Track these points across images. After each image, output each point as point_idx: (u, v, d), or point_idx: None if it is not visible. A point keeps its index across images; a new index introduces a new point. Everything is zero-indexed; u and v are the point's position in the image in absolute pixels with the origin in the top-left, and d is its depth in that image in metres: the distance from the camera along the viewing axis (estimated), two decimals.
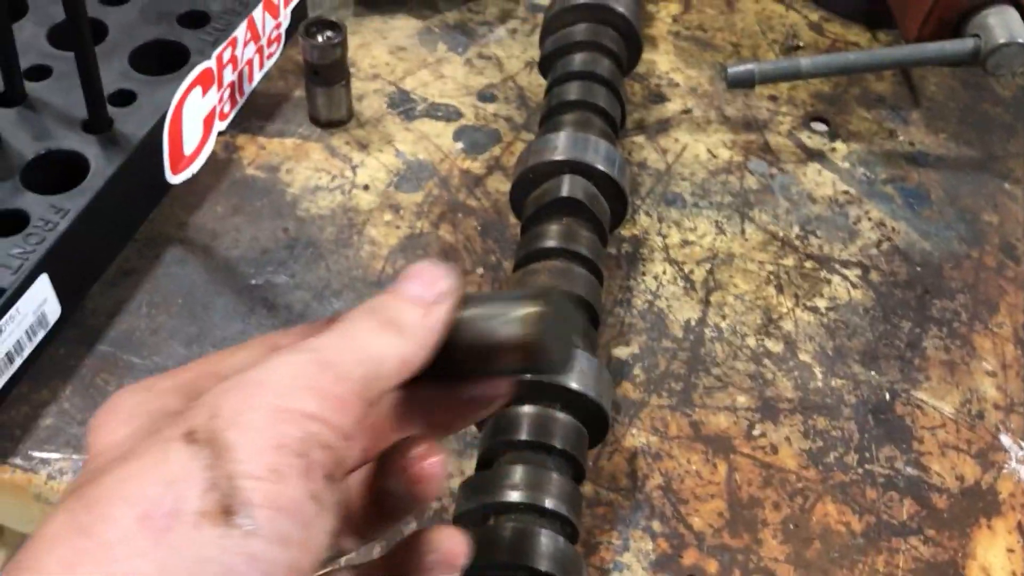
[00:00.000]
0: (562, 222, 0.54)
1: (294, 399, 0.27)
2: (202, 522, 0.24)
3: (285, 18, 0.69)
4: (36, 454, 0.50)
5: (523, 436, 0.45)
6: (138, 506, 0.24)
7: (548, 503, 0.43)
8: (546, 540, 0.42)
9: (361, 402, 0.29)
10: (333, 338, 0.30)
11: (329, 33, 0.63)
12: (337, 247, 0.60)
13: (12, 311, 0.50)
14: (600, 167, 0.55)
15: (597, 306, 0.52)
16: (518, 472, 0.44)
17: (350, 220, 0.62)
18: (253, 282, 0.58)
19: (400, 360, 0.31)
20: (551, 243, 0.53)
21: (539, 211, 0.55)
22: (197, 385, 0.31)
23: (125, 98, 0.59)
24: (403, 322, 0.31)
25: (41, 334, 0.53)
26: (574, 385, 0.46)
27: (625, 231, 0.62)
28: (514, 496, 0.43)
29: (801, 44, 0.75)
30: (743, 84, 0.64)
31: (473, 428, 0.51)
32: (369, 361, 0.30)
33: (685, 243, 0.62)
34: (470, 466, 0.48)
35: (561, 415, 0.46)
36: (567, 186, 0.55)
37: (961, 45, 0.64)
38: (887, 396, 0.55)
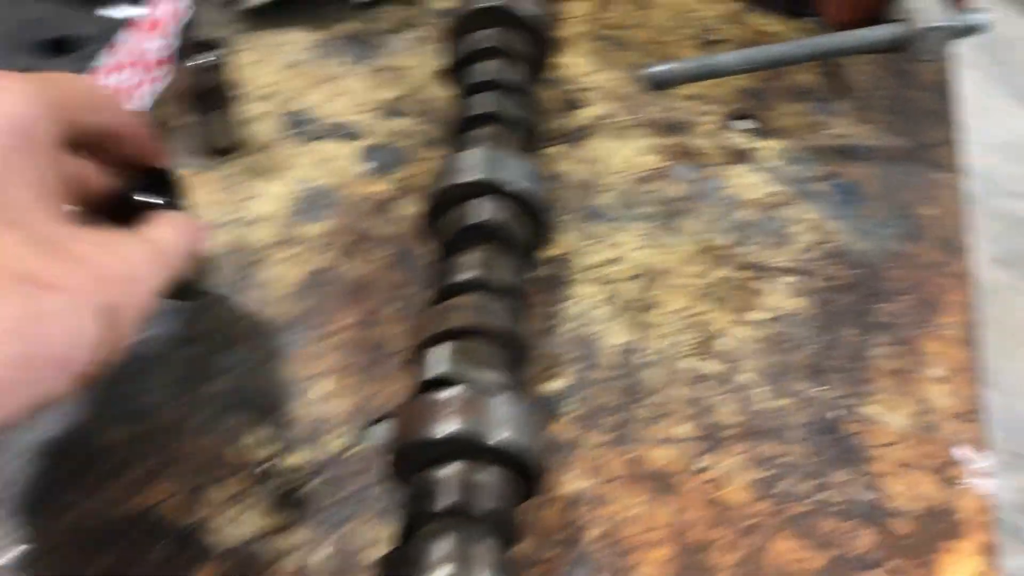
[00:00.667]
0: (479, 249, 0.50)
1: None
2: None
3: (173, 38, 0.63)
4: None
5: (445, 502, 0.40)
6: None
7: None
8: None
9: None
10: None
11: (210, 54, 0.57)
12: (233, 291, 0.54)
13: None
14: (516, 187, 0.51)
15: (524, 342, 0.47)
16: (442, 546, 0.39)
17: (245, 258, 0.56)
18: (139, 335, 0.52)
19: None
20: (469, 274, 0.48)
21: (454, 237, 0.50)
22: None
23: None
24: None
25: None
26: (502, 439, 0.41)
27: (548, 251, 0.57)
28: (439, 574, 0.38)
29: (721, 38, 0.71)
30: (663, 85, 0.60)
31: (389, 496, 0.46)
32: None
33: (612, 260, 0.57)
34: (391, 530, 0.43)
35: (489, 474, 0.41)
36: (482, 210, 0.50)
37: (886, 31, 0.60)
38: (836, 413, 0.51)
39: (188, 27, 0.61)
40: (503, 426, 0.42)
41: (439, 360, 0.45)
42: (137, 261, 0.38)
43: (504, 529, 0.41)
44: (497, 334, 0.46)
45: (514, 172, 0.51)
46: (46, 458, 0.47)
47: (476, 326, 0.46)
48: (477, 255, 0.49)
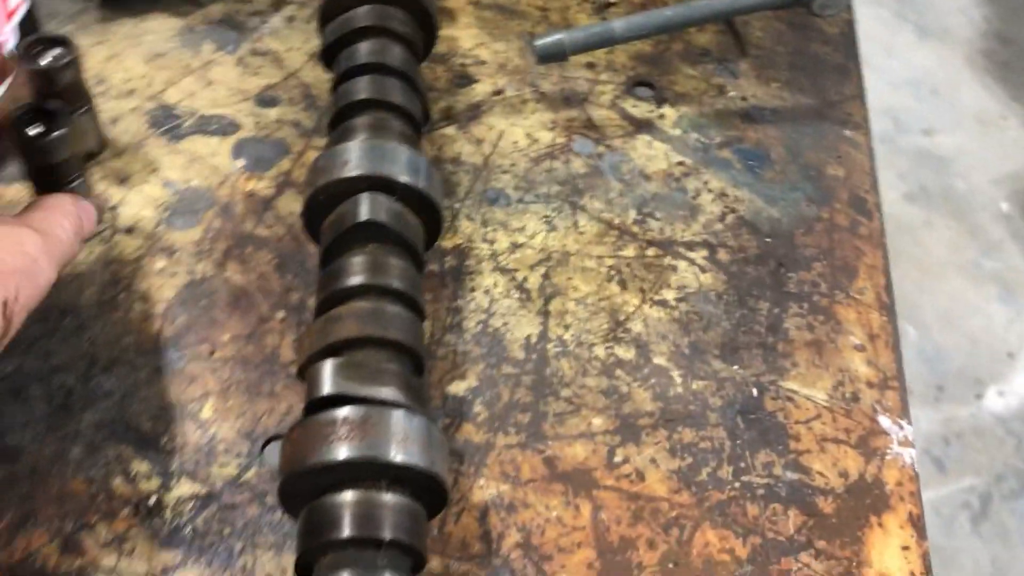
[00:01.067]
0: (366, 251, 0.46)
1: None
2: None
3: (8, 36, 0.57)
4: None
5: (345, 533, 0.37)
6: None
7: None
8: None
9: None
10: None
11: (57, 51, 0.52)
12: (100, 311, 0.50)
13: None
14: (403, 179, 0.47)
15: (419, 349, 0.44)
16: None
17: (114, 275, 0.51)
18: (1, 369, 0.47)
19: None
20: (355, 280, 0.45)
21: (337, 240, 0.47)
22: None
23: None
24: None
25: None
26: (399, 459, 0.38)
27: (447, 242, 0.54)
28: None
29: (613, 1, 0.68)
30: (554, 57, 0.57)
31: (289, 522, 0.43)
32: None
33: (515, 247, 0.54)
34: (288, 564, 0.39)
35: (388, 496, 0.38)
36: (366, 207, 0.46)
37: None
38: (754, 392, 0.49)
39: (26, 22, 0.55)
40: (399, 444, 0.38)
41: (325, 378, 0.41)
42: (31, 252, 0.38)
43: (409, 553, 0.38)
44: (388, 343, 0.43)
45: (398, 164, 0.48)
46: None
47: (364, 337, 0.42)
48: (362, 258, 0.45)
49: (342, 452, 0.38)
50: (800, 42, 0.68)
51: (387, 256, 0.46)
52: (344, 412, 0.39)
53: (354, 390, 0.40)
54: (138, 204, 0.54)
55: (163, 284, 0.51)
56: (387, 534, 0.37)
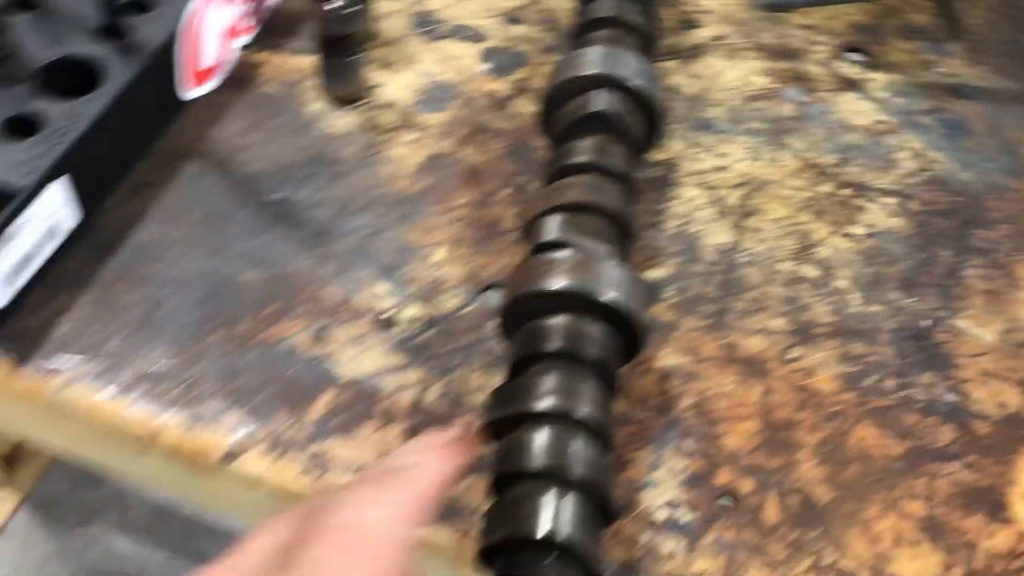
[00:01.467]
0: (595, 138, 0.52)
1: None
2: None
3: None
4: (51, 360, 0.49)
5: (556, 346, 0.44)
6: None
7: (580, 412, 0.41)
8: (578, 448, 0.40)
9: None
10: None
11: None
12: (358, 165, 0.58)
13: (27, 214, 0.49)
14: (635, 83, 0.53)
15: (630, 221, 0.50)
16: (550, 381, 0.42)
17: (372, 139, 0.60)
18: (273, 198, 0.56)
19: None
20: (584, 158, 0.51)
21: (572, 127, 0.53)
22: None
23: (143, 5, 0.58)
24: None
25: (56, 241, 0.52)
26: (608, 297, 0.44)
27: (656, 156, 0.60)
28: (546, 404, 0.41)
29: None
30: (778, 7, 0.62)
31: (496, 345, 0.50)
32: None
33: (718, 168, 0.60)
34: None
35: (595, 327, 0.44)
36: (601, 101, 0.53)
37: None
38: (926, 323, 0.53)
39: None
40: (612, 287, 0.45)
41: (552, 227, 0.48)
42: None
43: (606, 380, 0.44)
44: (608, 212, 0.49)
45: (632, 69, 0.54)
46: (191, 288, 0.52)
47: (589, 202, 0.49)
48: (592, 141, 0.52)
49: (561, 283, 0.44)
50: (1015, 33, 0.70)
51: (612, 144, 0.52)
52: (566, 253, 0.45)
53: (575, 240, 0.47)
54: (397, 87, 0.63)
55: (411, 153, 0.59)
56: (590, 355, 0.43)
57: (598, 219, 0.49)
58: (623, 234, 0.50)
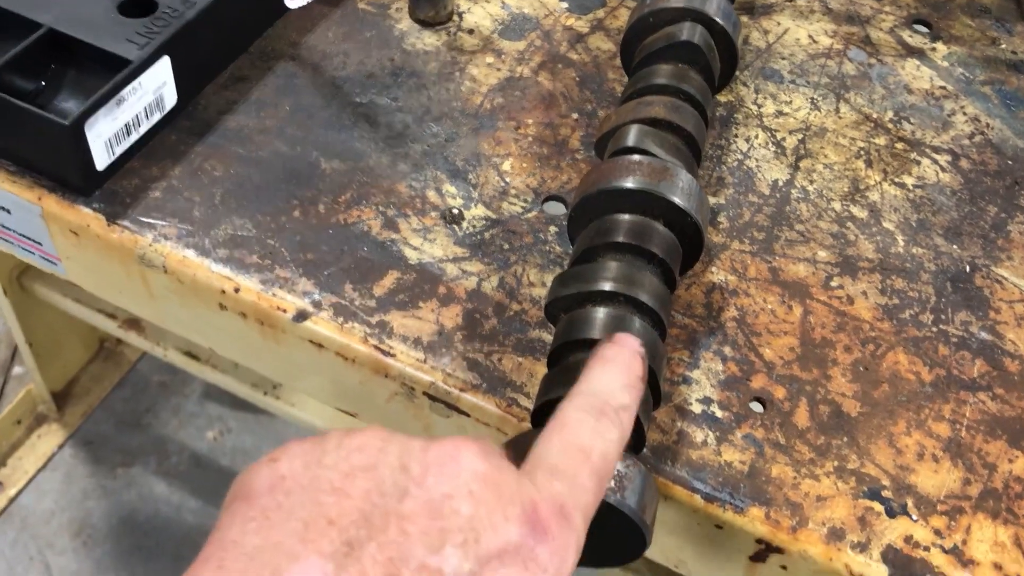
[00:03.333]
0: (677, 65, 0.55)
1: None
2: None
3: None
4: (144, 219, 0.53)
5: (623, 239, 0.46)
6: None
7: (643, 297, 0.44)
8: (639, 327, 0.43)
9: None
10: (555, 471, 0.34)
11: None
12: (439, 80, 0.62)
13: (135, 83, 0.53)
14: (719, 20, 0.56)
15: (702, 142, 0.53)
16: (616, 267, 0.45)
17: (453, 58, 0.63)
18: (357, 100, 0.60)
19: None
20: (665, 80, 0.54)
21: (655, 55, 0.56)
22: None
23: None
24: (618, 406, 0.37)
25: (158, 115, 0.56)
26: (676, 200, 0.47)
27: (722, 97, 0.63)
28: (610, 287, 0.44)
29: None
30: None
31: (559, 246, 0.53)
32: (598, 471, 0.35)
33: (779, 114, 0.62)
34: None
35: (661, 227, 0.47)
36: (688, 31, 0.55)
37: None
38: (967, 268, 0.55)
39: None
40: (684, 194, 0.47)
41: (631, 136, 0.50)
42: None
43: (667, 275, 0.47)
44: (684, 132, 0.51)
45: (717, 8, 0.57)
46: (275, 170, 0.56)
47: (668, 120, 0.51)
48: (674, 67, 0.54)
49: (637, 183, 0.47)
50: None
51: (691, 72, 0.55)
52: (645, 158, 0.48)
53: (653, 149, 0.50)
54: (480, 15, 0.66)
55: (489, 74, 0.63)
56: (656, 251, 0.46)
57: (674, 137, 0.51)
58: (695, 156, 0.53)
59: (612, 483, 0.39)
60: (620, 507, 0.38)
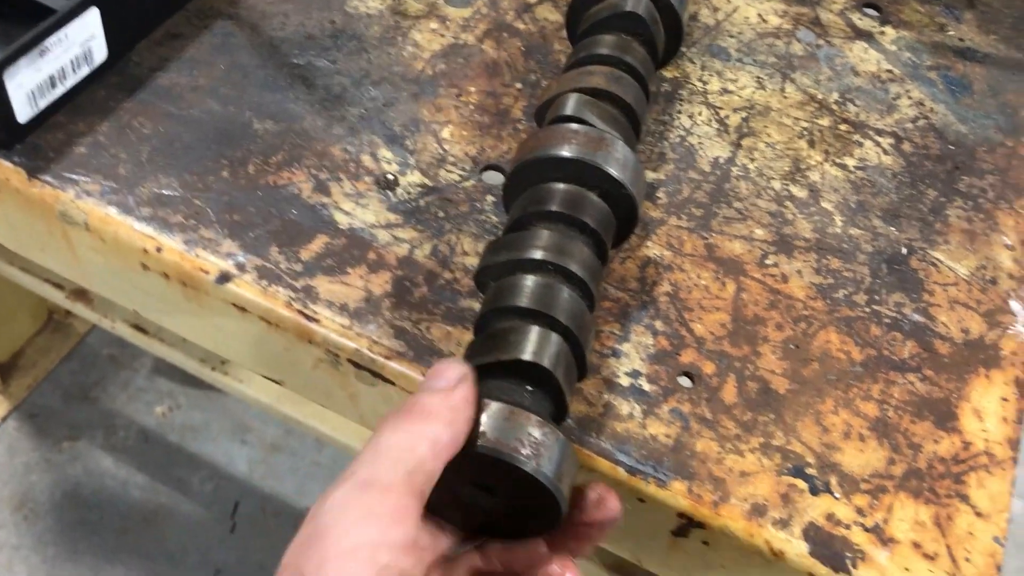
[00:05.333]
0: (620, 36, 0.54)
1: (354, 535, 0.32)
2: None
3: None
4: (67, 174, 0.51)
5: (555, 207, 0.45)
6: None
7: (573, 267, 0.43)
8: (567, 297, 0.42)
9: (413, 500, 0.34)
10: (366, 454, 0.35)
11: None
12: (381, 44, 0.61)
13: (60, 34, 0.51)
14: None
15: (641, 116, 0.52)
16: (547, 236, 0.44)
17: (396, 23, 0.62)
18: (295, 61, 0.59)
19: (431, 441, 0.35)
20: (606, 51, 0.53)
21: (598, 24, 0.55)
22: None
23: None
24: (426, 407, 0.36)
25: (85, 69, 0.54)
26: (612, 171, 0.46)
27: (667, 73, 0.62)
28: (540, 255, 0.43)
29: None
30: None
31: (492, 210, 0.52)
32: (402, 459, 0.35)
33: (724, 91, 0.62)
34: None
35: (595, 198, 0.46)
36: (632, 2, 0.54)
37: None
38: (904, 250, 0.55)
39: None
40: (619, 165, 0.46)
41: (570, 105, 0.49)
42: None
43: (599, 247, 0.46)
44: (623, 103, 0.51)
45: None
46: (205, 129, 0.54)
47: (607, 90, 0.50)
48: (617, 38, 0.53)
49: (573, 152, 0.46)
50: None
51: (634, 45, 0.54)
52: (582, 128, 0.47)
53: (591, 119, 0.49)
54: None
55: (432, 40, 0.62)
56: (589, 222, 0.45)
57: (614, 108, 0.51)
58: (633, 129, 0.52)
59: (528, 450, 0.38)
60: (536, 475, 0.38)
